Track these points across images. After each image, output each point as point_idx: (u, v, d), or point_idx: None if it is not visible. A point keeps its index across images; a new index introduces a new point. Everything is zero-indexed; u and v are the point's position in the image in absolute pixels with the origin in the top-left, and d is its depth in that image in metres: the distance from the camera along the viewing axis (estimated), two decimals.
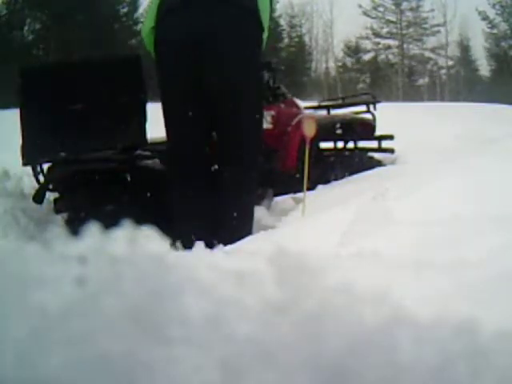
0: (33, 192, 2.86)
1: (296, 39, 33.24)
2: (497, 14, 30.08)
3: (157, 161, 2.85)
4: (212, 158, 2.56)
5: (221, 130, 2.48)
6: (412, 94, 29.75)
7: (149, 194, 2.85)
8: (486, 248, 0.99)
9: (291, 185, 3.10)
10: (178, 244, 1.58)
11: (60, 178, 2.82)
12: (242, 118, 2.43)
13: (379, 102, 4.00)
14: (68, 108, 2.64)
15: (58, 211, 2.85)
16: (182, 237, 2.06)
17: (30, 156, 2.66)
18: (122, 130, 2.70)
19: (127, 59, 2.95)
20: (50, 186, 2.86)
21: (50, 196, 2.94)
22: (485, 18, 30.32)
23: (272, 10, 2.63)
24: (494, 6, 29.55)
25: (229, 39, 2.36)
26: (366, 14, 33.05)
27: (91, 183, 2.75)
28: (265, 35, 2.51)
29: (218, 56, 2.35)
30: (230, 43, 2.36)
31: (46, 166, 2.83)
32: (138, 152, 2.93)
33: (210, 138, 2.52)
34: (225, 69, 2.35)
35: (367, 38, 33.66)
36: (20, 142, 2.65)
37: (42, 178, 2.82)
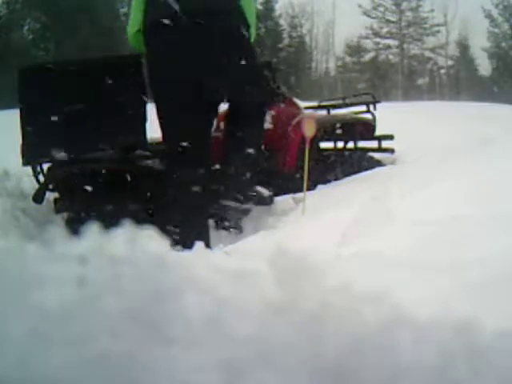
0: (33, 192, 2.86)
1: (296, 39, 33.19)
2: (499, 13, 30.07)
3: (157, 161, 2.85)
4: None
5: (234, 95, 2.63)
6: (412, 93, 29.71)
7: (149, 194, 2.85)
8: (486, 248, 0.99)
9: (291, 185, 3.10)
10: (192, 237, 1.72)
11: (60, 177, 2.82)
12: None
13: (379, 102, 4.00)
14: (68, 108, 2.64)
15: (57, 211, 2.85)
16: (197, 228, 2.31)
17: (30, 156, 2.67)
18: (122, 130, 2.70)
19: (127, 59, 2.95)
20: (50, 186, 2.86)
21: (50, 196, 2.94)
22: (487, 16, 30.28)
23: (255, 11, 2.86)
24: (497, 5, 29.54)
25: (223, 45, 2.49)
26: (366, 13, 33.02)
27: (91, 183, 2.75)
28: (252, 34, 2.71)
29: (218, 59, 2.47)
30: (227, 48, 2.50)
31: (46, 166, 2.83)
32: (138, 152, 2.93)
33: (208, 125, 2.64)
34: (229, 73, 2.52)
35: (367, 37, 33.64)
36: (20, 141, 2.65)
37: (42, 178, 2.82)
